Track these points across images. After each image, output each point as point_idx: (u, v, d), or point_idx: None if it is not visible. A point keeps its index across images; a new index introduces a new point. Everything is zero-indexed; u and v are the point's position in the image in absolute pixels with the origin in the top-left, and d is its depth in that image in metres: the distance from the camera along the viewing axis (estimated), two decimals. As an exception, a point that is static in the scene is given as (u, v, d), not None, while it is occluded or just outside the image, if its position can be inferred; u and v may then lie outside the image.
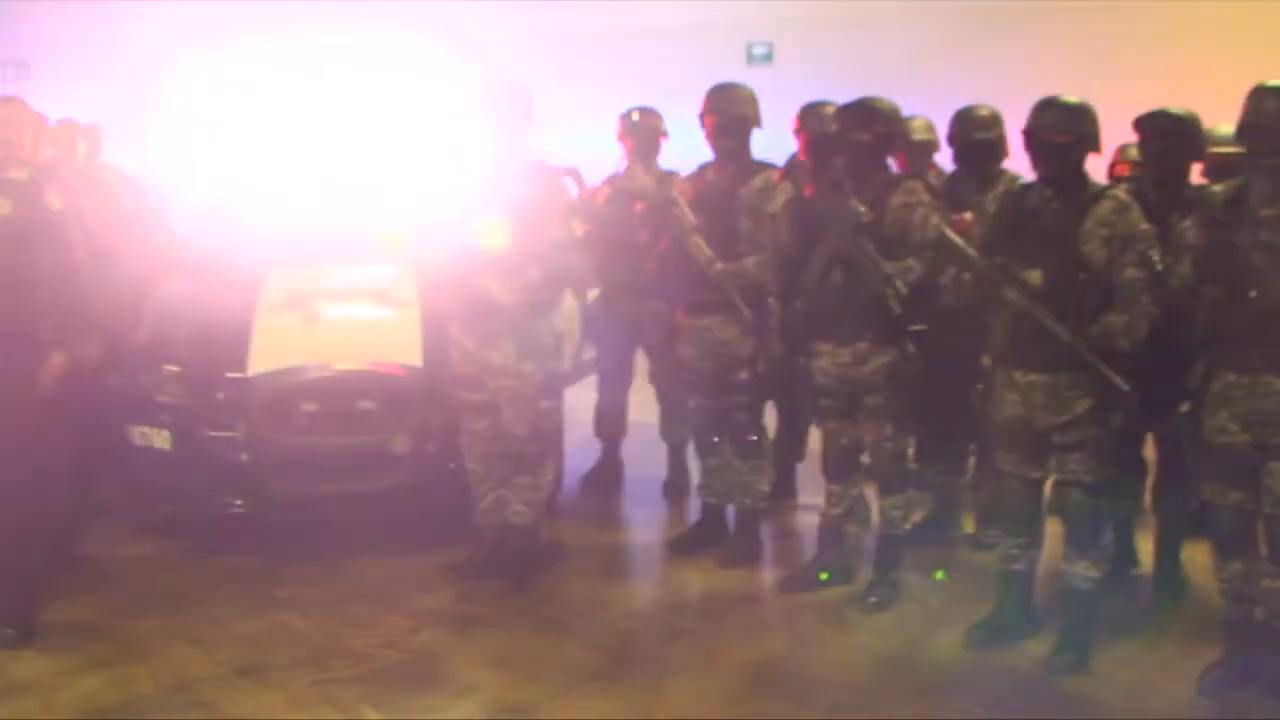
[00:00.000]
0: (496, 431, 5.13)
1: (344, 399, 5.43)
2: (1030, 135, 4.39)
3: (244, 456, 5.40)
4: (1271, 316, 3.89)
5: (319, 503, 5.42)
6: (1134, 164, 5.69)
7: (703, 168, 5.47)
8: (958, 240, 4.44)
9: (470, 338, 5.10)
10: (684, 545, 5.65)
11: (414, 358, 5.52)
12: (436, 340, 5.38)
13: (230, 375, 5.45)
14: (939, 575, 5.23)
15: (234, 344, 5.49)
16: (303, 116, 7.98)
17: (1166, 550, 5.17)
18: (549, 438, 5.32)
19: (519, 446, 5.13)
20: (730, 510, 5.61)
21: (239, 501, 5.44)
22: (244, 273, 5.90)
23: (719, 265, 5.16)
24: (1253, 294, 3.93)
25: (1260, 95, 4.05)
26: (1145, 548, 5.28)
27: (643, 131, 6.38)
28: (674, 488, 6.52)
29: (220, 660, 4.51)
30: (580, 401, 6.78)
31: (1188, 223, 4.25)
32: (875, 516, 5.12)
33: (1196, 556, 4.83)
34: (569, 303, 6.70)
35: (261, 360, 5.45)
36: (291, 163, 6.94)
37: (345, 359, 5.53)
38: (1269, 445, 4.00)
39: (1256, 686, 4.17)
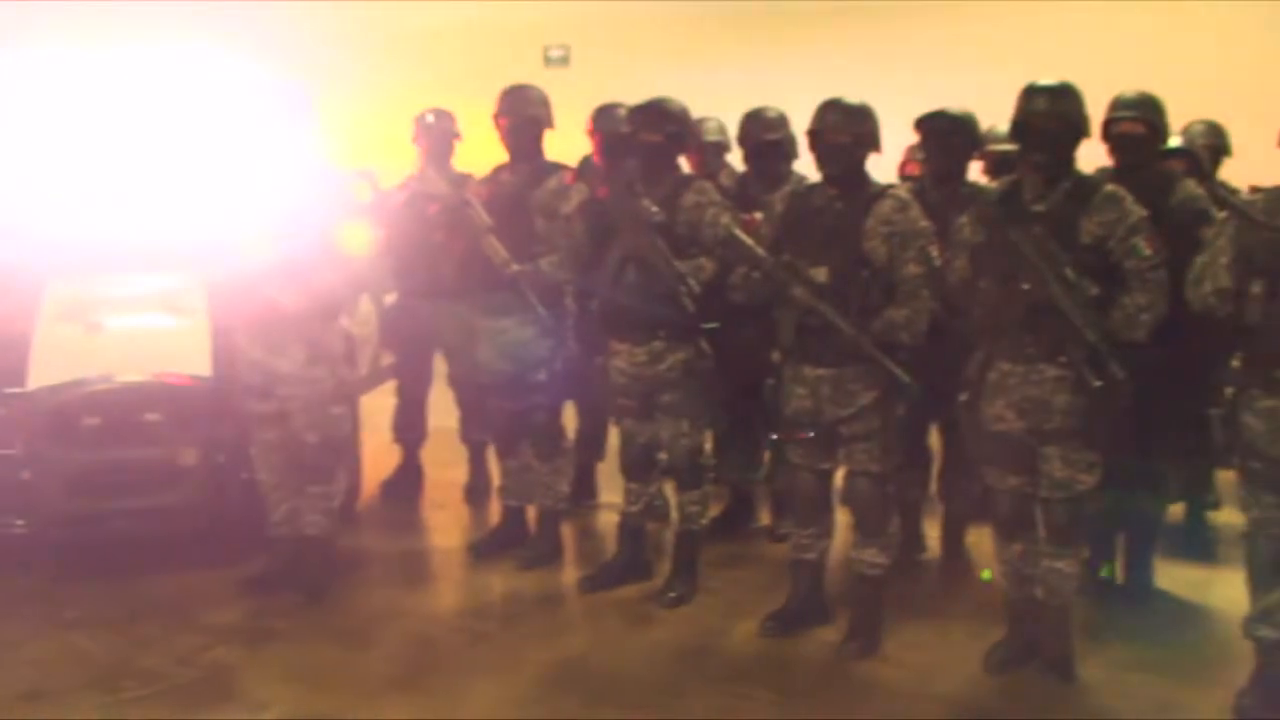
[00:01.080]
0: (288, 441, 5.02)
1: (129, 411, 5.24)
2: (814, 136, 4.51)
3: (25, 474, 5.17)
4: (1043, 308, 4.06)
5: (106, 519, 5.21)
6: (922, 163, 5.87)
7: (497, 169, 5.46)
8: (747, 239, 4.53)
9: (257, 346, 4.98)
10: (485, 548, 5.62)
11: (202, 368, 5.37)
12: (226, 349, 5.24)
13: (8, 390, 5.22)
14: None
15: (12, 357, 5.26)
16: (87, 122, 7.71)
17: (952, 535, 5.37)
18: (342, 445, 5.23)
19: (311, 455, 5.02)
20: (531, 511, 5.61)
21: (20, 521, 5.20)
22: (22, 283, 5.64)
23: (514, 266, 5.15)
24: (1025, 286, 4.08)
25: (1031, 95, 4.22)
26: (932, 533, 5.48)
27: (437, 133, 6.34)
28: (474, 491, 6.48)
29: (4, 685, 4.33)
30: (378, 407, 6.70)
31: (964, 219, 4.41)
32: (674, 513, 5.17)
33: (981, 541, 5.00)
34: (365, 307, 6.62)
35: (42, 374, 5.24)
36: (74, 168, 6.68)
37: (130, 370, 5.34)
38: (1043, 431, 4.17)
39: (1037, 663, 4.34)
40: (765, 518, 5.91)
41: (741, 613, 4.87)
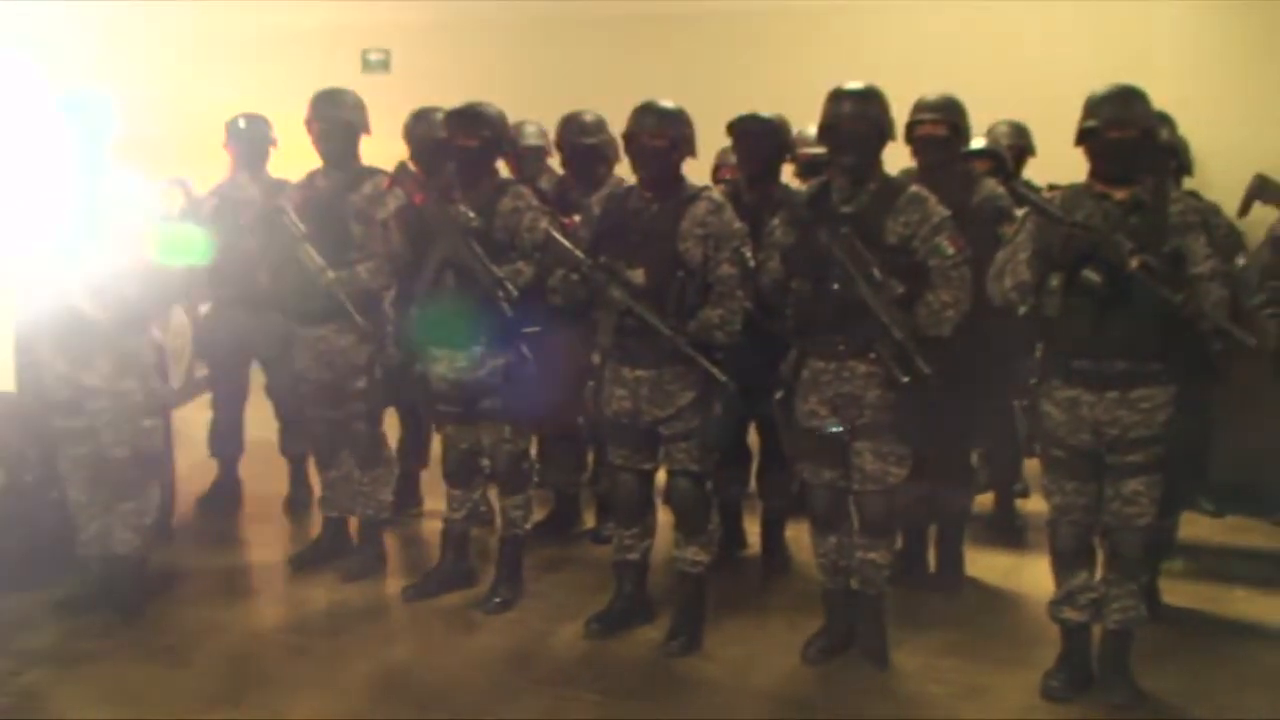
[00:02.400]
0: (97, 456, 4.86)
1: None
2: (630, 140, 4.55)
3: None
4: (852, 307, 4.16)
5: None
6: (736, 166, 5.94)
7: (311, 175, 5.38)
8: (565, 242, 4.55)
9: (63, 359, 4.80)
10: (306, 561, 5.51)
11: (4, 383, 5.17)
12: (30, 364, 5.04)
13: None
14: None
15: None
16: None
17: (771, 531, 5.46)
18: (155, 459, 5.07)
19: (120, 470, 4.86)
20: (353, 522, 5.53)
21: None
22: None
23: (330, 274, 5.08)
24: (835, 286, 4.18)
25: (837, 98, 4.32)
26: (753, 530, 5.57)
27: (249, 139, 6.22)
28: (295, 503, 6.35)
29: None
30: (194, 420, 6.54)
31: (776, 221, 4.49)
32: (498, 518, 5.15)
33: (799, 535, 5.09)
34: (179, 318, 6.46)
35: None
36: None
37: (-72, 388, 5.12)
38: (856, 426, 4.28)
39: (854, 652, 4.46)
40: (590, 520, 5.93)
41: (566, 615, 4.88)
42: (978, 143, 5.70)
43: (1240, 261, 4.65)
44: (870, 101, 4.31)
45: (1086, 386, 4.00)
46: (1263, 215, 4.00)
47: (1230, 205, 4.80)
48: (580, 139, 5.82)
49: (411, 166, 5.23)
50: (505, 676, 4.44)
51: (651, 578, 4.84)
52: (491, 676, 4.44)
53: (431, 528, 5.72)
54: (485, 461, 5.08)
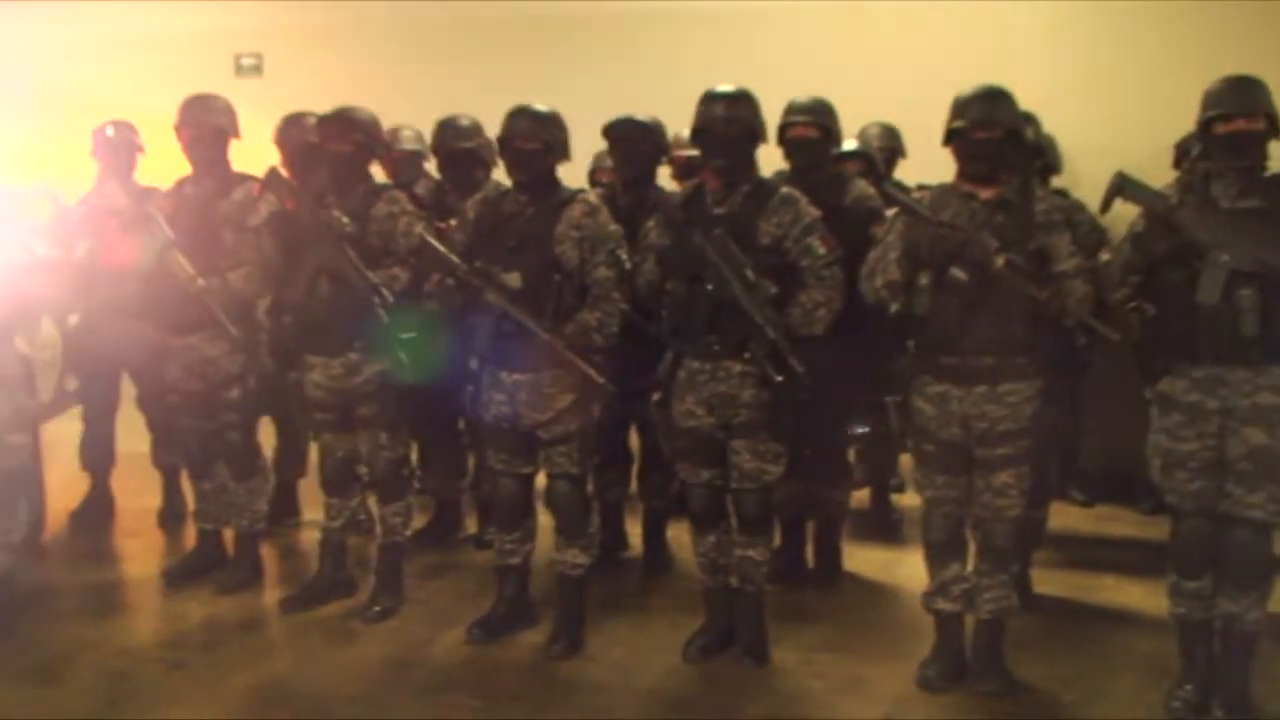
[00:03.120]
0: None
1: None
2: (504, 143, 4.54)
3: None
4: (726, 307, 4.20)
5: None
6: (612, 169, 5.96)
7: (180, 182, 5.28)
8: (440, 247, 4.52)
9: (-79, 375, 4.66)
10: (181, 574, 5.41)
11: None
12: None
13: None
14: None
15: None
16: None
17: (652, 531, 5.49)
18: (23, 475, 4.93)
19: (-15, 487, 4.73)
20: (229, 534, 5.44)
21: None
22: None
23: (201, 282, 4.99)
24: (709, 287, 4.22)
25: (709, 101, 4.36)
26: (634, 531, 5.59)
27: (117, 146, 6.11)
28: (169, 516, 6.24)
29: None
30: (65, 433, 6.39)
31: (650, 223, 4.51)
32: (378, 526, 5.10)
33: (680, 534, 5.12)
34: (48, 330, 6.29)
35: None
36: None
37: None
38: (731, 425, 4.32)
39: (734, 649, 4.49)
40: (472, 526, 5.90)
41: (448, 622, 4.86)
42: (849, 145, 5.79)
43: (1104, 257, 4.76)
44: (742, 104, 4.35)
45: (955, 382, 4.08)
46: (1124, 212, 4.09)
47: (1097, 203, 4.93)
48: (456, 143, 5.80)
49: (284, 172, 5.16)
50: (385, 685, 4.39)
51: (533, 581, 4.83)
52: (371, 686, 4.39)
53: (309, 538, 5.66)
54: (363, 469, 5.03)
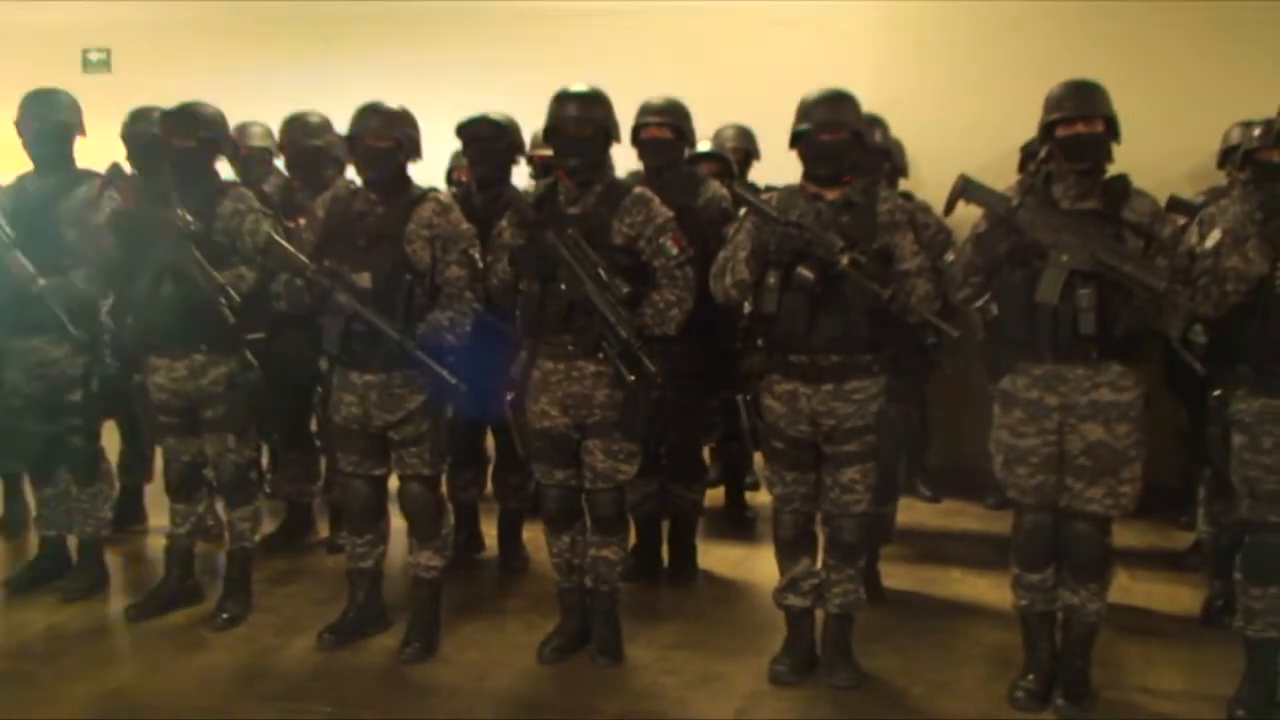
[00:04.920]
0: None
1: None
2: (354, 141, 4.48)
3: None
4: (580, 307, 4.20)
5: None
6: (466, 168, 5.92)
7: (22, 179, 5.11)
8: (288, 245, 4.45)
9: None
10: (23, 583, 5.24)
11: None
12: None
13: None
14: None
15: None
16: None
17: (508, 532, 5.48)
18: None
19: None
20: (73, 540, 5.28)
21: None
22: None
23: (42, 282, 4.83)
24: (562, 287, 4.21)
25: (561, 100, 4.34)
26: (490, 532, 5.56)
27: None
28: (10, 524, 6.04)
29: None
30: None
31: (504, 222, 4.49)
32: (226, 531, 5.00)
33: (536, 535, 5.11)
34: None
35: None
36: None
37: None
38: (585, 425, 4.32)
39: (590, 649, 4.49)
40: (325, 529, 5.82)
41: (298, 628, 4.78)
42: (704, 146, 5.85)
43: (949, 258, 4.89)
44: (594, 104, 4.35)
45: (803, 380, 4.13)
46: (970, 214, 4.20)
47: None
48: (305, 140, 5.72)
49: (128, 168, 5.03)
50: (234, 694, 4.29)
51: (387, 585, 4.78)
52: (220, 695, 4.29)
53: (156, 544, 5.52)
54: (210, 473, 4.92)
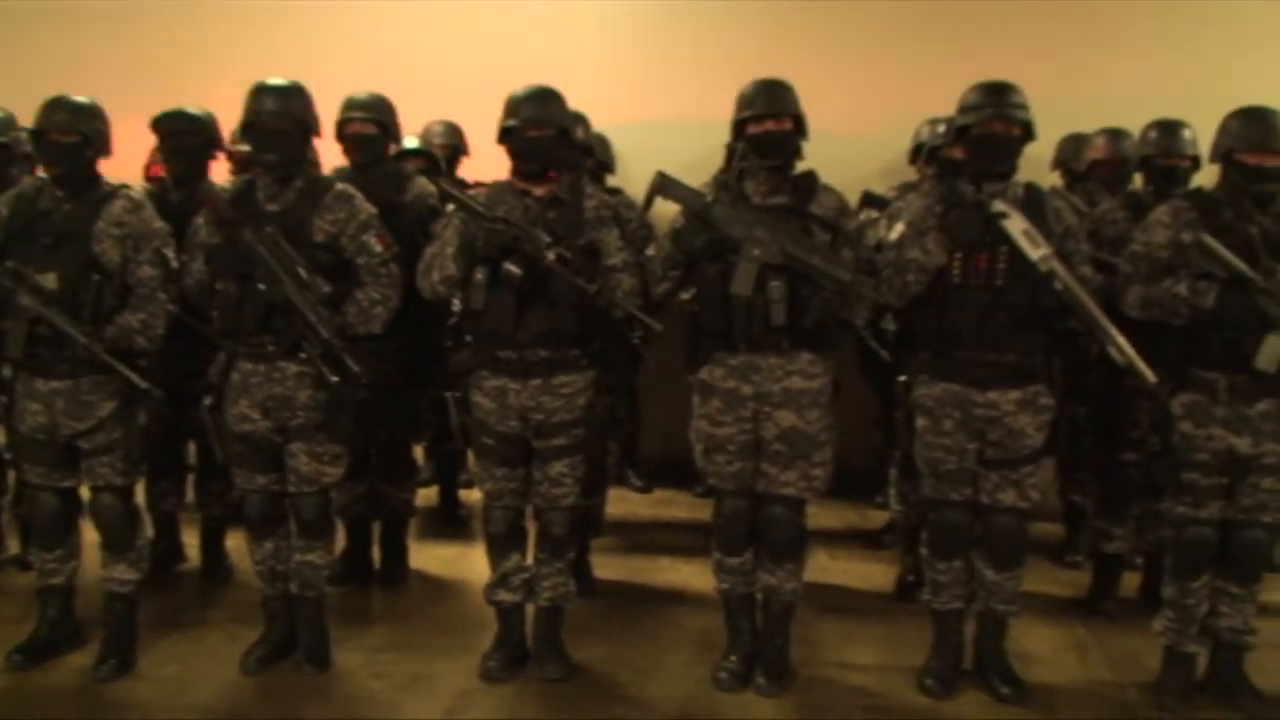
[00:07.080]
0: None
1: None
2: (39, 135, 4.25)
3: None
4: (279, 307, 4.10)
5: None
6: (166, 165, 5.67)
7: None
8: (-37, 247, 4.19)
9: None
10: None
11: None
12: None
13: None
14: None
15: None
16: None
17: (211, 541, 5.30)
18: None
19: None
20: None
21: None
22: None
23: None
24: (261, 286, 4.10)
25: (259, 94, 4.22)
26: (193, 542, 5.37)
27: None
28: None
29: None
30: None
31: (200, 220, 4.34)
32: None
33: (241, 544, 4.95)
34: None
35: None
36: None
37: None
38: (288, 428, 4.22)
39: (295, 656, 4.40)
40: (15, 546, 5.50)
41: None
42: (411, 142, 5.80)
43: (650, 252, 4.98)
44: (292, 98, 4.26)
45: (511, 375, 4.15)
46: (669, 209, 4.29)
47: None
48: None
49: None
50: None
51: (80, 600, 4.55)
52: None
53: None
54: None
